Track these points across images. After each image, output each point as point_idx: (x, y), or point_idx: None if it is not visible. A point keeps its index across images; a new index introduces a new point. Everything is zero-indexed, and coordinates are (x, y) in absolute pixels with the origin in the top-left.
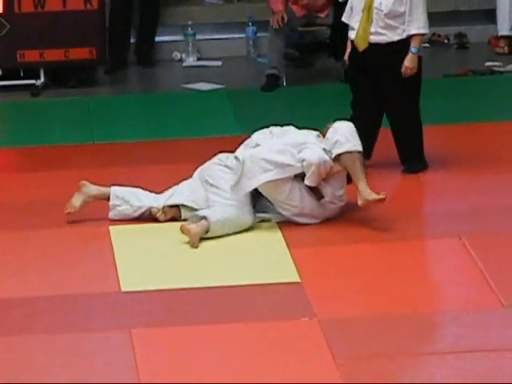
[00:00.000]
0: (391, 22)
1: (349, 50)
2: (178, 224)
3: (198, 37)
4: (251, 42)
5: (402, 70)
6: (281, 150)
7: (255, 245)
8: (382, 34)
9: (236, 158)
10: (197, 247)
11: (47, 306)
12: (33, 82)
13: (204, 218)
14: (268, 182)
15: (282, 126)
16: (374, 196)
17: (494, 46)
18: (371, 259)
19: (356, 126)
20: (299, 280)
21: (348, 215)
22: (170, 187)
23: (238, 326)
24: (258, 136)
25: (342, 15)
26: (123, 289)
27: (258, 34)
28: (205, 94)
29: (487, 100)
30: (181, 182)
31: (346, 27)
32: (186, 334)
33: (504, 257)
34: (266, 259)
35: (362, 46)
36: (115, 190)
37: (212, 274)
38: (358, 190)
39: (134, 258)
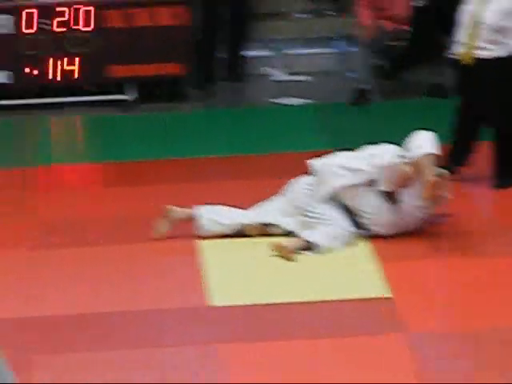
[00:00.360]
0: (497, 37)
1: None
2: (268, 239)
3: (287, 51)
4: (340, 57)
5: None
6: (354, 156)
7: (346, 259)
8: (488, 49)
9: (311, 166)
10: (291, 259)
11: (138, 319)
12: (123, 97)
13: (308, 242)
14: (342, 187)
15: (370, 141)
16: (431, 177)
17: None
18: (462, 273)
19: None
20: (390, 295)
21: (437, 228)
22: (258, 203)
23: (327, 342)
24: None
25: (421, 22)
26: (212, 303)
27: (347, 49)
28: (293, 108)
29: None
30: (270, 198)
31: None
32: (275, 349)
33: None
34: (357, 274)
35: (467, 61)
36: (202, 211)
37: (302, 288)
38: (425, 181)
39: (223, 273)
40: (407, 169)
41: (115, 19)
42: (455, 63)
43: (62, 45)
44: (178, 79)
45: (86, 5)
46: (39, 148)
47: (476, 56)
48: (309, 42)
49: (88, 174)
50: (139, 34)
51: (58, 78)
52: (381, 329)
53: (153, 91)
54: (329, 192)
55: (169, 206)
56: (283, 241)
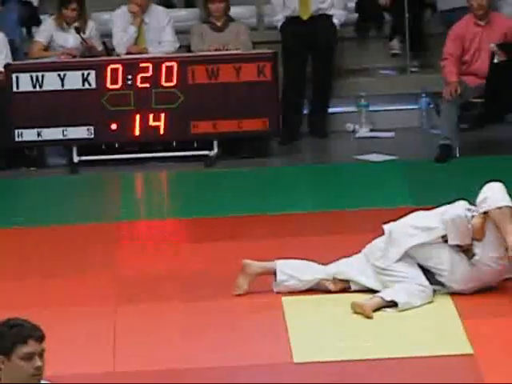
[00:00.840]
0: None
1: None
2: (347, 295)
3: (371, 108)
4: (424, 114)
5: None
6: (425, 214)
7: (427, 315)
8: None
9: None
10: (371, 317)
11: (219, 376)
12: (206, 152)
13: (391, 301)
14: (414, 245)
15: (453, 198)
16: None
17: None
18: None
19: None
20: (472, 352)
21: None
22: (339, 259)
23: None
24: None
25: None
26: (296, 360)
27: (431, 105)
28: (377, 165)
29: None
30: (351, 255)
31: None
32: None
33: None
34: (438, 330)
35: None
36: (281, 265)
37: (383, 345)
38: (507, 243)
39: (306, 329)
40: (475, 220)
41: (200, 75)
42: None
43: (146, 101)
44: (262, 135)
45: (170, 60)
46: (122, 203)
47: None
48: (393, 98)
49: (172, 229)
50: (224, 90)
51: (142, 134)
52: None
53: (236, 147)
54: (400, 253)
55: (247, 261)
56: (363, 299)
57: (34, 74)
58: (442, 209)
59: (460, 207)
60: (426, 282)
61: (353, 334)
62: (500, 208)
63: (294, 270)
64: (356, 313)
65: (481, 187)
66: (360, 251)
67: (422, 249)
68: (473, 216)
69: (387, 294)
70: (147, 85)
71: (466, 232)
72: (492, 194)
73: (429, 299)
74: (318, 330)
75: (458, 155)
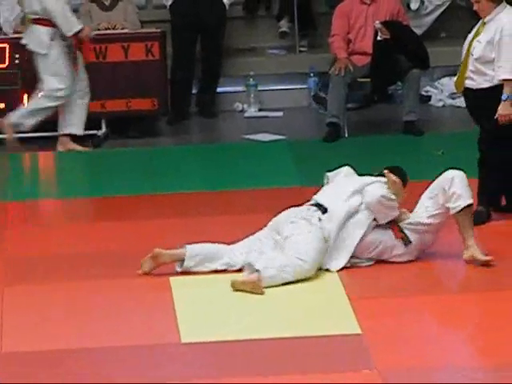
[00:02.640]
0: (481, 68)
1: None
2: (234, 275)
3: (260, 87)
4: (313, 93)
5: (497, 117)
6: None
7: (315, 296)
8: (472, 79)
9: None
10: (262, 293)
11: (105, 356)
12: (94, 132)
13: (257, 271)
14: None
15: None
16: (481, 257)
17: None
18: (431, 311)
19: None
20: (360, 331)
21: (409, 266)
22: (236, 238)
23: (297, 378)
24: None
25: (379, 55)
26: (183, 340)
27: (319, 84)
28: (266, 144)
29: None
30: (240, 236)
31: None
32: None
33: None
34: (326, 310)
35: (458, 89)
36: (191, 251)
37: (271, 325)
38: (466, 243)
39: (194, 309)
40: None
41: (88, 55)
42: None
43: (34, 80)
44: (151, 115)
45: None
46: (11, 183)
47: (465, 85)
48: (282, 77)
49: (61, 210)
50: (112, 70)
51: None
52: (351, 366)
53: (126, 126)
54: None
55: (158, 251)
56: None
57: None
58: (356, 186)
59: (379, 187)
60: (313, 269)
61: (241, 313)
62: (468, 207)
63: (202, 257)
64: (238, 290)
65: (369, 166)
66: (252, 232)
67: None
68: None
69: (260, 264)
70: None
71: (393, 210)
72: (458, 190)
73: (305, 274)
74: (205, 311)
75: (346, 135)
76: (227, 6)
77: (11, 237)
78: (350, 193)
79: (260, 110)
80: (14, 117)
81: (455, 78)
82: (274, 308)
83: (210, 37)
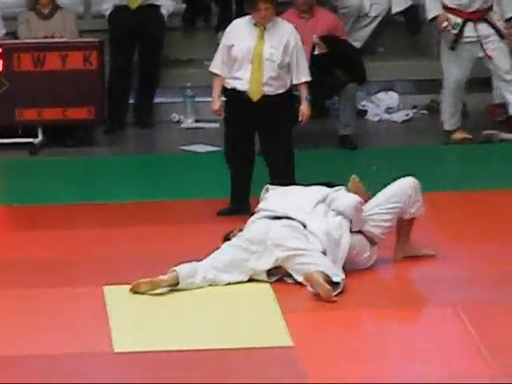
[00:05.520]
0: (281, 73)
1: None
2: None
3: (197, 99)
4: None
5: (300, 116)
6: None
7: (248, 308)
8: (271, 85)
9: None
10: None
11: (38, 365)
12: (31, 140)
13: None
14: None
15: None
16: (424, 251)
17: (491, 115)
18: (364, 324)
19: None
20: (292, 344)
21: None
22: (172, 248)
23: None
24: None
25: (316, 69)
26: (116, 349)
27: None
28: (202, 155)
29: (487, 167)
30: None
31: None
32: None
33: (499, 326)
34: (260, 323)
35: (256, 97)
36: (182, 276)
37: (204, 336)
38: (400, 245)
39: (128, 319)
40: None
41: (26, 62)
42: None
43: None
44: (88, 124)
45: None
46: None
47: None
48: None
49: None
50: (50, 78)
51: None
52: (283, 378)
53: (62, 135)
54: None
55: (158, 279)
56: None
57: None
58: (318, 196)
59: (347, 194)
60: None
61: (174, 324)
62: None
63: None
64: (309, 283)
65: (304, 180)
66: (188, 242)
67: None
68: None
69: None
70: None
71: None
72: (418, 196)
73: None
74: (139, 320)
75: None
76: (166, 17)
77: None
78: (313, 204)
79: (197, 121)
80: None
81: (241, 86)
82: (208, 319)
83: (148, 47)
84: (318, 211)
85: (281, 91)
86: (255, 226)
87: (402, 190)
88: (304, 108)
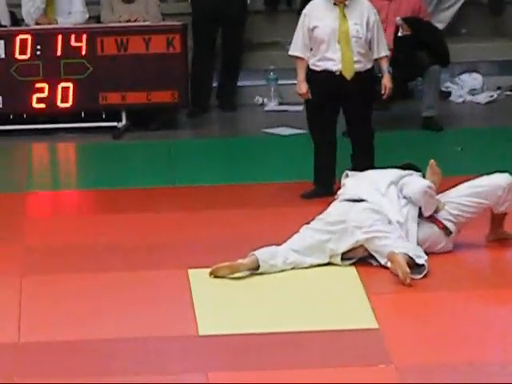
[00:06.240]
0: (367, 48)
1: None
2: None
3: (280, 81)
4: None
5: (384, 89)
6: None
7: (333, 291)
8: (361, 62)
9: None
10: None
11: (124, 348)
12: (115, 124)
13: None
14: None
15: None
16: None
17: None
18: (449, 307)
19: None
20: (377, 326)
21: (431, 261)
22: (257, 231)
23: (315, 372)
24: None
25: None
26: (201, 332)
27: None
28: (286, 138)
29: None
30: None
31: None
32: (262, 379)
33: None
34: (344, 305)
35: (350, 75)
36: (261, 259)
37: (290, 319)
38: (492, 228)
39: (212, 302)
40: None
41: (109, 46)
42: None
43: (55, 71)
44: (171, 107)
45: (79, 31)
46: (28, 174)
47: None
48: None
49: (78, 201)
50: (133, 62)
51: (51, 104)
52: (369, 360)
53: (146, 119)
54: None
55: (236, 263)
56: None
57: None
58: (392, 178)
59: (418, 180)
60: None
61: (258, 307)
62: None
63: (270, 263)
64: (392, 263)
65: (388, 162)
66: (272, 225)
67: None
68: None
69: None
70: (56, 55)
71: (436, 200)
72: (510, 198)
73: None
74: (223, 303)
75: None
76: (248, 0)
77: (29, 227)
78: (387, 184)
79: (280, 103)
80: None
81: (335, 67)
82: (292, 302)
83: (231, 30)
84: (392, 196)
85: (369, 67)
86: (335, 208)
87: (494, 189)
88: (386, 81)
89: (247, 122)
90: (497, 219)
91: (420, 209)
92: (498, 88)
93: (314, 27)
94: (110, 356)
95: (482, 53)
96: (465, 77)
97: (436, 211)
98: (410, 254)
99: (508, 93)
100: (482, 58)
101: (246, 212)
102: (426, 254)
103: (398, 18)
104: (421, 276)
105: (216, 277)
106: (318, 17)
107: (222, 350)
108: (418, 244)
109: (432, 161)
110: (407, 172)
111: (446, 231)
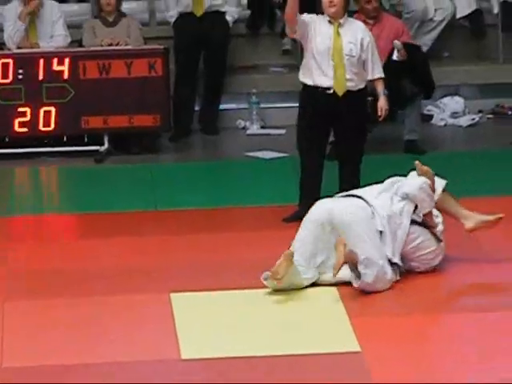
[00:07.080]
0: (360, 68)
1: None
2: (237, 293)
3: (262, 105)
4: None
5: (379, 111)
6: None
7: (316, 314)
8: (353, 81)
9: None
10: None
11: (106, 372)
12: (97, 148)
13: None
14: None
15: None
16: (489, 217)
17: None
18: (432, 330)
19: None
20: (359, 349)
21: (408, 283)
22: (238, 255)
23: None
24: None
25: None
26: (183, 356)
27: None
28: (268, 162)
29: None
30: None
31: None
32: None
33: None
34: (327, 328)
35: (341, 92)
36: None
37: (272, 343)
38: (462, 216)
39: (194, 326)
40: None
41: (91, 70)
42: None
43: (37, 95)
44: (153, 131)
45: (61, 55)
46: (11, 198)
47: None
48: (284, 95)
49: (61, 225)
50: (115, 86)
51: (33, 128)
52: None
53: (128, 143)
54: None
55: (289, 251)
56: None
57: None
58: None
59: (415, 178)
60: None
61: (241, 330)
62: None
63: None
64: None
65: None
66: (253, 249)
67: None
68: None
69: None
70: (38, 79)
71: (432, 198)
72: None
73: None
74: (206, 327)
75: None
76: (231, 24)
77: (12, 251)
78: (377, 192)
79: (262, 127)
80: None
81: (327, 83)
82: (274, 325)
83: (214, 54)
84: (383, 197)
85: (361, 87)
86: (315, 207)
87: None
88: (382, 103)
89: (229, 145)
90: (449, 207)
91: (416, 208)
92: (480, 111)
93: (314, 34)
94: (92, 380)
95: (464, 76)
96: (447, 100)
97: (433, 226)
98: (361, 258)
99: (489, 116)
100: (463, 81)
101: (228, 236)
102: (401, 273)
103: (395, 42)
104: (356, 284)
105: (277, 279)
106: (317, 30)
107: (205, 374)
108: (411, 243)
109: (417, 162)
110: (398, 178)
111: (437, 238)
